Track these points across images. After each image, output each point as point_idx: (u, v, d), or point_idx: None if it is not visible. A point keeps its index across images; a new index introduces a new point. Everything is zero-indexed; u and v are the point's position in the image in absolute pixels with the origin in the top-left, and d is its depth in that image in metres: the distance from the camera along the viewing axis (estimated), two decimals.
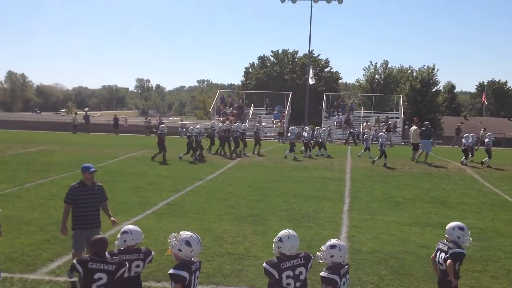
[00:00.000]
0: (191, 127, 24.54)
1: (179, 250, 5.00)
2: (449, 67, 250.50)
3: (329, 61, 74.97)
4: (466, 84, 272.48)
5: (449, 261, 5.72)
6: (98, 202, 7.63)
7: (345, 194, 15.01)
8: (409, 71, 70.42)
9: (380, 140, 23.46)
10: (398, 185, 17.02)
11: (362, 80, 79.73)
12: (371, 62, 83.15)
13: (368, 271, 8.04)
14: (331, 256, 5.18)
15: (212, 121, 24.71)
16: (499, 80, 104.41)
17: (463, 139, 24.02)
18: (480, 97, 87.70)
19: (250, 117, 48.83)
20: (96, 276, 5.18)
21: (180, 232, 5.12)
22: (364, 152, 25.67)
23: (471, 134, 24.54)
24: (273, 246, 5.21)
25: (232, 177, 17.94)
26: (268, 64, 75.10)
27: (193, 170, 19.35)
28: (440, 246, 6.00)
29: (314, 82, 55.44)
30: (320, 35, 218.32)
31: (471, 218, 12.05)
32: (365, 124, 43.14)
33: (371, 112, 52.48)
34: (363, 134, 36.34)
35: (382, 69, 77.45)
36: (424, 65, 67.35)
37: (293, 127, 29.23)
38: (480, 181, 18.28)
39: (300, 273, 5.12)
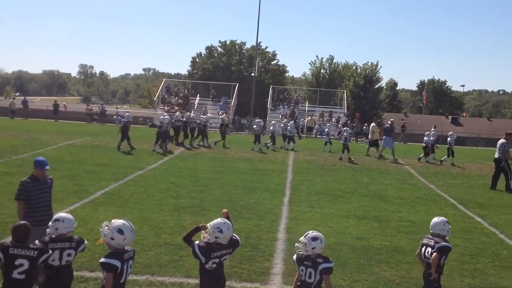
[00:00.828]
0: (162, 117, 24.32)
1: (111, 238, 4.92)
2: (392, 64, 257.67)
3: (276, 54, 75.28)
4: (408, 82, 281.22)
5: (434, 254, 5.91)
6: (50, 196, 7.17)
7: (286, 186, 15.18)
8: (354, 67, 71.75)
9: (344, 134, 23.87)
10: (338, 178, 17.35)
11: (308, 74, 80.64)
12: (317, 56, 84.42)
13: None
14: (313, 248, 5.33)
15: (165, 116, 24.22)
16: (439, 79, 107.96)
17: (425, 137, 24.56)
18: (420, 95, 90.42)
19: (195, 107, 48.49)
20: (17, 262, 5.03)
21: (112, 220, 5.03)
22: (326, 146, 26.54)
23: (432, 132, 25.17)
24: (209, 234, 5.23)
25: (174, 167, 17.79)
26: (216, 54, 74.58)
27: (134, 159, 19.06)
28: (426, 241, 6.19)
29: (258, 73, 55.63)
30: (268, 28, 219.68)
31: (405, 212, 12.44)
32: (309, 118, 43.66)
33: (316, 106, 53.22)
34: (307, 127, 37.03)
35: (327, 64, 78.52)
36: (368, 62, 68.93)
37: (259, 119, 29.45)
38: (416, 176, 18.90)
39: (224, 259, 5.38)
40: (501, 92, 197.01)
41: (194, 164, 18.72)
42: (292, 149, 26.01)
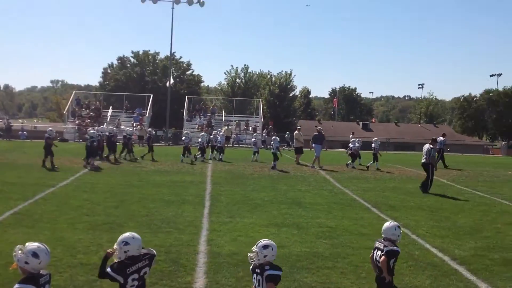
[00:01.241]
0: (92, 131, 23.49)
1: (26, 263, 4.61)
2: (305, 73, 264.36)
3: (191, 64, 75.05)
4: (320, 89, 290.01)
5: (383, 257, 6.01)
6: None
7: (206, 198, 15.06)
8: (268, 76, 72.90)
9: (273, 143, 24.13)
10: (257, 187, 17.47)
11: (224, 83, 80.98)
12: (232, 66, 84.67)
13: (226, 274, 8.09)
14: (265, 256, 5.34)
15: (92, 131, 23.41)
16: (349, 86, 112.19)
17: (350, 144, 25.40)
18: (332, 102, 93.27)
19: (108, 120, 47.25)
20: None
21: (26, 244, 4.73)
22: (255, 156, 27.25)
23: (357, 139, 26.06)
24: (117, 252, 5.04)
25: (87, 183, 17.15)
26: (128, 65, 73.07)
27: (44, 176, 18.18)
28: (377, 244, 6.27)
29: (173, 82, 55.15)
30: (182, 38, 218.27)
31: (323, 218, 12.69)
32: (226, 127, 43.75)
33: (232, 116, 53.51)
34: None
35: (243, 74, 79.24)
36: (282, 71, 70.23)
37: (187, 131, 29.29)
38: (331, 182, 19.41)
39: (145, 273, 5.14)
40: (406, 98, 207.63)
41: (108, 179, 18.16)
42: (221, 160, 26.34)
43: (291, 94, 69.18)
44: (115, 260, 5.07)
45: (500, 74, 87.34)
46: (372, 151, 25.25)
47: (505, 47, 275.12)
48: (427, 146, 18.27)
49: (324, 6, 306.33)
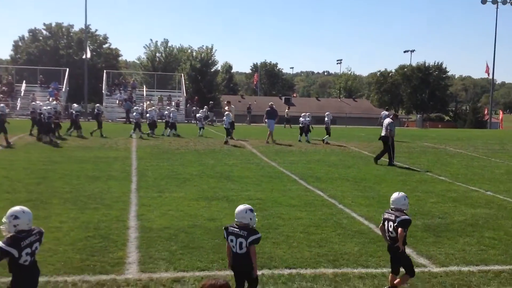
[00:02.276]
0: (45, 107, 22.35)
1: (14, 226, 4.89)
2: (226, 48, 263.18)
3: (107, 37, 72.54)
4: (242, 65, 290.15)
5: (400, 229, 6.02)
6: None
7: (132, 173, 14.73)
8: (189, 50, 71.89)
9: (225, 119, 24.14)
10: (184, 162, 17.29)
11: (143, 58, 79.04)
12: (151, 40, 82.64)
13: (159, 248, 7.98)
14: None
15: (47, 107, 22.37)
16: (270, 61, 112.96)
17: (301, 118, 25.84)
18: (254, 78, 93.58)
19: (22, 94, 44.97)
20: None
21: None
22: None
23: (307, 113, 26.39)
24: (6, 226, 4.91)
25: (4, 159, 16.27)
26: (41, 38, 69.45)
27: None
28: (387, 216, 6.26)
29: (89, 56, 53.21)
30: (97, 10, 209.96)
31: (252, 190, 12.78)
32: (148, 102, 42.91)
33: (154, 91, 52.51)
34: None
35: (162, 48, 77.65)
36: (203, 45, 69.47)
37: (137, 107, 28.47)
38: (258, 155, 19.57)
39: (36, 248, 5.04)
40: (325, 74, 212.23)
41: (27, 155, 17.32)
42: (174, 134, 26.55)
43: (213, 69, 68.70)
44: (4, 234, 4.92)
45: (413, 50, 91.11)
46: (324, 125, 25.79)
47: (418, 24, 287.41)
48: (387, 120, 18.78)
49: None
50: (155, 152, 19.52)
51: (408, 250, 8.24)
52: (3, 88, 45.07)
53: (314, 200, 11.96)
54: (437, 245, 8.67)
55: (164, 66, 73.58)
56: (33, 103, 23.01)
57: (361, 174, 15.96)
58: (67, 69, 49.32)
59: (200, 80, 64.49)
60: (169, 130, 27.00)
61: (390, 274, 6.56)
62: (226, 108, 26.83)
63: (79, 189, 12.19)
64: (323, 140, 25.25)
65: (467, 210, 11.30)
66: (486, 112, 71.31)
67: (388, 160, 18.32)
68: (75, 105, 26.84)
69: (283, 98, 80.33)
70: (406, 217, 6.22)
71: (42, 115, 21.76)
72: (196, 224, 9.40)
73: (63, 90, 46.53)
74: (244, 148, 21.70)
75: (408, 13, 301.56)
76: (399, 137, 28.18)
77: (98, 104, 33.67)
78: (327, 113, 26.75)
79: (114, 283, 6.60)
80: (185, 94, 50.63)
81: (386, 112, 29.41)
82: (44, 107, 22.43)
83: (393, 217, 6.24)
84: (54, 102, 27.48)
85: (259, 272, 7.10)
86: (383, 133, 18.75)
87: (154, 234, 8.70)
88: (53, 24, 69.89)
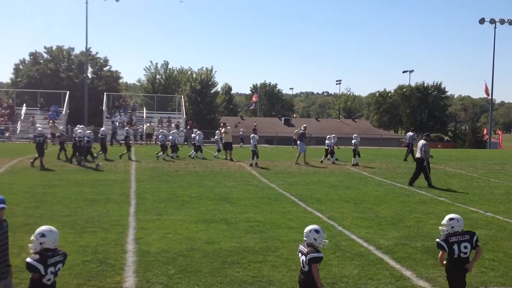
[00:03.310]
0: (81, 131, 22.95)
1: (40, 244, 5.05)
2: (226, 69, 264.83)
3: (108, 60, 73.00)
4: (242, 85, 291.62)
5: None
6: (7, 244, 5.59)
7: (131, 196, 14.70)
8: (189, 72, 72.32)
9: (252, 141, 23.92)
10: (183, 184, 17.27)
11: (144, 80, 79.50)
12: (151, 62, 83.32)
13: (157, 272, 7.94)
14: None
15: (80, 130, 22.97)
16: (270, 82, 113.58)
17: (326, 140, 26.17)
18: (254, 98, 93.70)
19: (22, 118, 45.12)
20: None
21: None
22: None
23: (333, 135, 26.70)
24: (33, 244, 5.10)
25: (4, 183, 16.25)
26: (41, 61, 69.87)
27: None
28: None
29: (92, 76, 53.48)
30: (97, 33, 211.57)
31: (251, 212, 12.75)
32: (148, 124, 43.00)
33: (153, 113, 52.66)
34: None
35: (163, 70, 78.15)
36: (203, 67, 69.87)
37: (162, 130, 28.85)
38: (257, 177, 19.55)
39: (59, 269, 5.17)
40: (325, 94, 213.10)
41: (26, 179, 17.31)
42: (178, 157, 26.61)
43: (212, 91, 68.91)
44: (31, 252, 5.07)
45: (412, 71, 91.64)
46: (353, 147, 25.79)
47: (416, 45, 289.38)
48: (421, 142, 18.77)
49: (242, 2, 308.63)
50: (155, 174, 19.51)
51: (407, 273, 8.22)
52: (3, 111, 45.23)
53: (313, 222, 11.87)
54: (437, 267, 8.59)
55: (164, 88, 73.97)
56: (76, 129, 24.10)
57: (360, 195, 15.93)
58: (67, 92, 49.55)
59: (200, 101, 64.69)
60: (195, 152, 27.35)
61: None
62: (222, 130, 26.83)
63: (77, 212, 12.16)
64: (354, 164, 25.08)
65: None
66: (485, 132, 71.40)
67: (426, 182, 18.35)
68: (102, 129, 27.39)
69: (282, 119, 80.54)
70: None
71: (80, 140, 22.34)
72: (194, 248, 9.36)
73: (63, 113, 46.69)
74: (243, 170, 21.69)
75: (406, 33, 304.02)
76: (399, 158, 28.20)
77: (103, 128, 33.77)
78: (355, 135, 26.88)
79: None
80: (185, 116, 50.78)
81: (411, 133, 29.63)
82: (79, 131, 22.95)
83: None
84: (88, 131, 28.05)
85: None
86: (418, 155, 18.74)
87: (152, 258, 8.65)
88: (54, 47, 70.38)
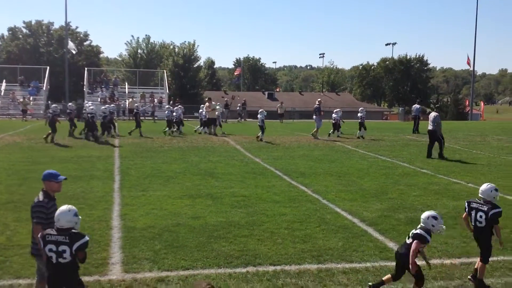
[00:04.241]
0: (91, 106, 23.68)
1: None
2: (208, 43, 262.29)
3: (88, 34, 71.77)
4: (224, 60, 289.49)
5: (496, 226, 6.49)
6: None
7: (115, 172, 14.63)
8: (171, 46, 71.43)
9: (260, 116, 23.75)
10: (167, 159, 17.22)
11: (125, 54, 78.47)
12: (133, 36, 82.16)
13: (143, 247, 7.95)
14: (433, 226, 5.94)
15: (92, 106, 23.13)
16: (253, 56, 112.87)
17: (334, 114, 26.09)
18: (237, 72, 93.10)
19: (2, 94, 44.44)
20: None
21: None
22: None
23: (339, 109, 26.81)
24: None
25: None
26: (20, 36, 68.52)
27: None
28: (475, 205, 6.57)
29: (74, 50, 52.63)
30: (77, 7, 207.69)
31: (236, 187, 12.77)
32: (130, 99, 42.58)
33: (136, 88, 52.13)
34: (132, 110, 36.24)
35: (144, 44, 77.11)
36: (185, 41, 69.06)
37: (169, 106, 28.63)
38: (242, 152, 19.56)
39: (63, 250, 5.00)
40: (308, 68, 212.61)
41: (8, 156, 17.13)
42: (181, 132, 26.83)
43: (195, 65, 68.25)
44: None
45: (395, 43, 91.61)
46: (359, 120, 25.99)
47: (399, 17, 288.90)
48: (433, 114, 18.88)
49: None
50: (138, 150, 19.41)
51: (391, 244, 8.34)
52: None
53: (298, 195, 11.99)
54: None
55: (146, 62, 73.09)
56: (87, 103, 24.53)
57: (344, 169, 16.03)
58: (48, 67, 48.78)
59: (183, 76, 64.09)
60: (202, 127, 27.51)
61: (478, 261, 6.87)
62: (207, 104, 26.70)
63: (62, 189, 12.05)
64: (359, 136, 25.41)
65: (449, 203, 11.41)
66: (467, 103, 72.02)
67: (438, 152, 18.66)
68: (108, 106, 26.94)
69: (266, 93, 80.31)
70: (499, 209, 6.54)
71: (92, 116, 22.80)
72: (180, 223, 9.38)
73: (44, 88, 46.03)
74: (227, 144, 21.67)
75: (389, 6, 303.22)
76: (383, 131, 28.37)
77: (137, 104, 33.58)
78: (361, 108, 26.93)
79: (97, 284, 6.58)
80: (167, 91, 50.37)
81: (418, 106, 29.93)
82: (92, 107, 23.55)
83: (485, 208, 6.55)
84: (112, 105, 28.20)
85: (243, 270, 7.14)
86: (430, 127, 18.88)
87: (137, 233, 8.66)
88: (33, 22, 68.98)
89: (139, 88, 51.72)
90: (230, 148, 20.66)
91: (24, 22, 69.08)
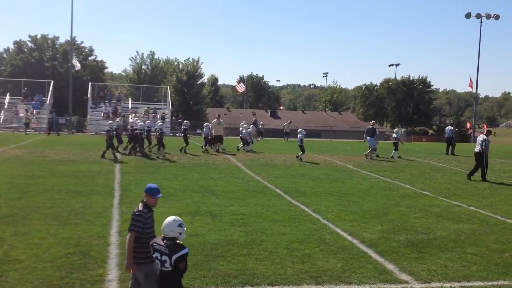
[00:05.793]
0: (140, 123, 23.74)
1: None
2: (212, 60, 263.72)
3: (93, 49, 72.18)
4: (228, 77, 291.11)
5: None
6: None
7: (115, 188, 14.59)
8: (176, 63, 71.84)
9: (299, 136, 23.67)
10: (168, 176, 17.19)
11: (129, 70, 78.87)
12: (137, 52, 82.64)
13: None
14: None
15: (141, 123, 23.48)
16: (257, 74, 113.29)
17: (393, 134, 26.98)
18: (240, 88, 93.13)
19: (6, 107, 44.59)
20: None
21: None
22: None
23: (395, 129, 27.67)
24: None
25: None
26: (26, 50, 68.99)
27: None
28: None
29: (79, 67, 52.89)
30: (83, 22, 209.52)
31: (236, 205, 12.72)
32: (133, 115, 42.68)
33: (139, 103, 52.28)
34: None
35: (149, 60, 77.58)
36: (189, 58, 69.50)
37: (207, 123, 27.90)
38: (243, 170, 19.51)
39: (165, 260, 5.23)
40: (311, 86, 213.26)
41: (8, 170, 17.10)
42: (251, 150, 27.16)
43: (199, 82, 68.61)
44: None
45: (398, 64, 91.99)
46: (393, 141, 26.36)
47: (402, 39, 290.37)
48: (482, 137, 19.14)
49: None
50: (139, 166, 19.39)
51: (390, 266, 8.27)
52: None
53: (298, 215, 11.93)
54: (420, 261, 8.67)
55: (150, 78, 73.45)
56: (132, 120, 25.28)
57: (345, 189, 15.97)
58: (52, 81, 49.00)
59: (186, 92, 64.36)
60: (241, 145, 27.74)
61: None
62: (215, 120, 26.64)
63: (60, 204, 12.04)
64: (393, 156, 25.83)
65: (449, 226, 11.33)
66: (469, 126, 71.97)
67: (481, 176, 18.78)
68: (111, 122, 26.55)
69: (269, 111, 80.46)
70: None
71: (141, 132, 23.12)
72: None
73: (47, 102, 46.19)
74: (229, 162, 21.64)
75: (393, 27, 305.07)
76: (385, 151, 28.28)
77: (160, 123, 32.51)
78: (396, 129, 27.10)
79: None
80: (171, 107, 50.50)
81: (451, 128, 30.43)
82: (141, 123, 23.78)
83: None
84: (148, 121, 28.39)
85: None
86: (477, 149, 19.00)
87: None
88: (39, 36, 69.47)
89: (142, 104, 51.86)
90: (231, 165, 20.63)
91: (29, 36, 69.71)
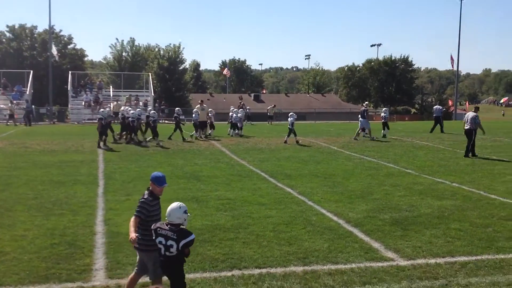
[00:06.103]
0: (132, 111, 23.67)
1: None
2: (194, 46, 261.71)
3: (72, 38, 71.15)
4: (210, 62, 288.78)
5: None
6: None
7: (99, 177, 14.49)
8: (156, 49, 71.17)
9: (290, 119, 23.72)
10: (152, 163, 17.11)
11: (110, 58, 78.01)
12: (117, 39, 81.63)
13: (127, 253, 7.85)
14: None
15: (132, 111, 23.25)
16: (239, 58, 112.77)
17: (382, 113, 27.60)
18: (223, 75, 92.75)
19: None
20: None
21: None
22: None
23: (384, 109, 28.00)
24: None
25: None
26: (4, 40, 67.84)
27: None
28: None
29: (57, 55, 52.19)
30: (61, 10, 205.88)
31: (222, 190, 12.72)
32: (115, 103, 42.25)
33: (121, 91, 51.79)
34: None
35: (129, 47, 76.75)
36: (170, 44, 68.90)
37: (195, 109, 26.86)
38: (228, 154, 19.50)
39: (170, 245, 5.38)
40: (294, 69, 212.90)
41: None
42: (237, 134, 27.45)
43: (181, 67, 68.13)
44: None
45: (380, 44, 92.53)
46: (382, 120, 27.06)
47: (383, 18, 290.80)
48: (471, 114, 19.16)
49: None
50: (123, 154, 19.27)
51: (376, 245, 8.36)
52: None
53: (283, 197, 11.97)
54: (405, 238, 8.77)
55: (131, 65, 72.71)
56: (129, 109, 25.05)
57: (330, 170, 16.05)
58: (31, 71, 48.30)
59: (168, 79, 63.89)
60: (232, 130, 27.80)
61: None
62: (198, 106, 26.47)
63: (44, 195, 11.93)
64: (383, 135, 26.32)
65: (433, 202, 11.47)
66: (451, 103, 72.56)
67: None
68: (102, 110, 25.80)
69: (252, 95, 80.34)
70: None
71: (133, 120, 22.89)
72: None
73: (27, 92, 45.57)
74: (213, 147, 21.60)
75: (374, 7, 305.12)
76: (373, 132, 28.42)
77: (178, 108, 30.51)
78: (384, 108, 27.29)
79: None
80: (153, 94, 50.13)
81: (439, 107, 30.65)
82: (132, 111, 23.57)
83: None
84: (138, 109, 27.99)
85: (229, 273, 7.09)
86: (467, 127, 19.13)
87: (122, 238, 8.54)
88: (17, 26, 68.30)
89: (124, 91, 51.38)
90: (216, 150, 20.59)
91: (7, 26, 68.41)
